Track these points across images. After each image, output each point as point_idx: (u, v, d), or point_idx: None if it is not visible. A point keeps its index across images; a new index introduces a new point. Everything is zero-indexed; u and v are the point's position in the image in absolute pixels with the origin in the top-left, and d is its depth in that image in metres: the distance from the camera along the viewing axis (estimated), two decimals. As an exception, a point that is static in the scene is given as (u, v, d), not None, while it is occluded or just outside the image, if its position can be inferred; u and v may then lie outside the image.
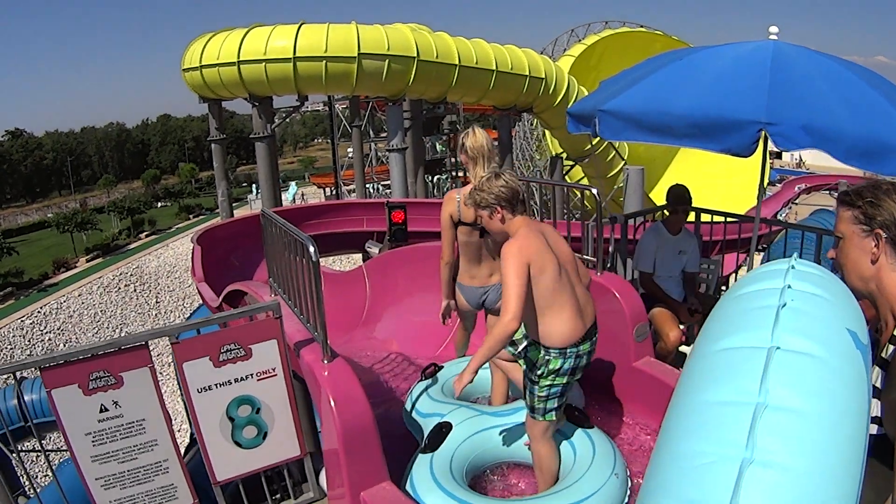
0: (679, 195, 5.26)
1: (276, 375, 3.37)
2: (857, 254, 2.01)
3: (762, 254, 12.07)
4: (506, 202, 2.98)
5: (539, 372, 3.05)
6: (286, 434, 3.46)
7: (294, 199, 46.35)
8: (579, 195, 26.51)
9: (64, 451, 3.17)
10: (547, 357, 3.02)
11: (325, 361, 3.31)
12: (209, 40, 16.97)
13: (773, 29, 4.23)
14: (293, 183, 52.93)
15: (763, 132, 3.23)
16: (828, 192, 33.32)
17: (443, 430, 3.38)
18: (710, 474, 1.31)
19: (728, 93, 3.48)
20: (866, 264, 1.99)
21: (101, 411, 3.00)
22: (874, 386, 1.96)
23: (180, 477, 3.24)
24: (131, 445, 3.09)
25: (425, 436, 3.44)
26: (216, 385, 3.23)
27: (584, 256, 4.84)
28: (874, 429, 1.95)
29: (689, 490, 1.32)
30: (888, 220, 1.94)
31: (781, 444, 1.32)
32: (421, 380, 4.14)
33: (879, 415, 1.94)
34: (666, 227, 5.39)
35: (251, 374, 3.31)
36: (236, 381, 3.28)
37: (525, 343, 3.18)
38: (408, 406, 3.94)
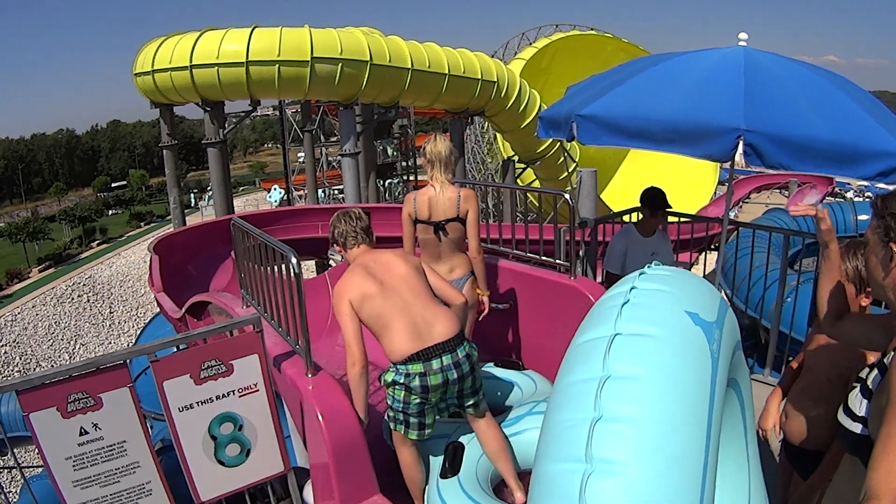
0: (655, 198, 5.35)
1: (258, 391, 3.30)
2: (874, 262, 2.03)
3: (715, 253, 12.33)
4: (339, 237, 3.44)
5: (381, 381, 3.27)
6: (269, 450, 3.39)
7: (280, 202, 44.57)
8: (531, 198, 26.88)
9: (38, 466, 3.07)
10: (389, 368, 3.22)
11: (309, 375, 3.27)
12: (161, 44, 16.64)
13: (743, 35, 4.34)
14: (275, 185, 50.91)
15: (741, 138, 3.30)
16: (778, 190, 34.36)
17: (457, 451, 3.35)
18: (569, 434, 1.70)
19: (707, 99, 3.54)
20: (881, 273, 2.00)
21: (80, 434, 2.89)
22: (867, 387, 2.00)
23: (164, 499, 3.15)
24: (113, 468, 2.98)
25: (442, 460, 3.38)
26: (198, 403, 3.15)
27: (557, 261, 4.90)
28: (858, 428, 2.00)
29: (560, 447, 1.73)
30: None
31: (622, 403, 1.68)
32: None
33: (865, 415, 1.98)
34: (638, 229, 5.48)
35: (233, 391, 3.23)
36: (218, 398, 3.19)
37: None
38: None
